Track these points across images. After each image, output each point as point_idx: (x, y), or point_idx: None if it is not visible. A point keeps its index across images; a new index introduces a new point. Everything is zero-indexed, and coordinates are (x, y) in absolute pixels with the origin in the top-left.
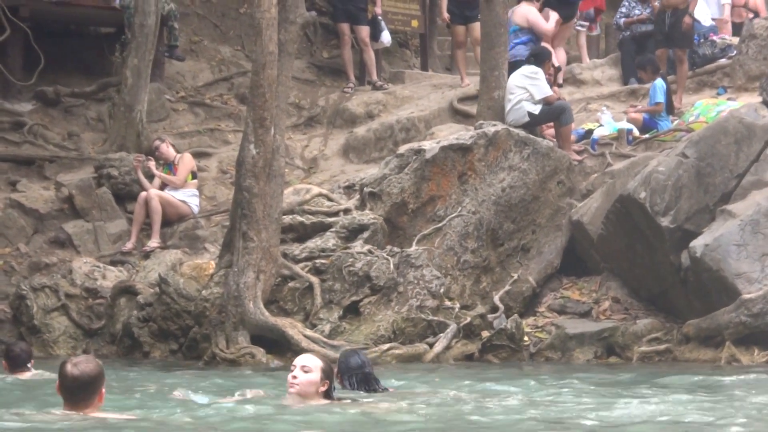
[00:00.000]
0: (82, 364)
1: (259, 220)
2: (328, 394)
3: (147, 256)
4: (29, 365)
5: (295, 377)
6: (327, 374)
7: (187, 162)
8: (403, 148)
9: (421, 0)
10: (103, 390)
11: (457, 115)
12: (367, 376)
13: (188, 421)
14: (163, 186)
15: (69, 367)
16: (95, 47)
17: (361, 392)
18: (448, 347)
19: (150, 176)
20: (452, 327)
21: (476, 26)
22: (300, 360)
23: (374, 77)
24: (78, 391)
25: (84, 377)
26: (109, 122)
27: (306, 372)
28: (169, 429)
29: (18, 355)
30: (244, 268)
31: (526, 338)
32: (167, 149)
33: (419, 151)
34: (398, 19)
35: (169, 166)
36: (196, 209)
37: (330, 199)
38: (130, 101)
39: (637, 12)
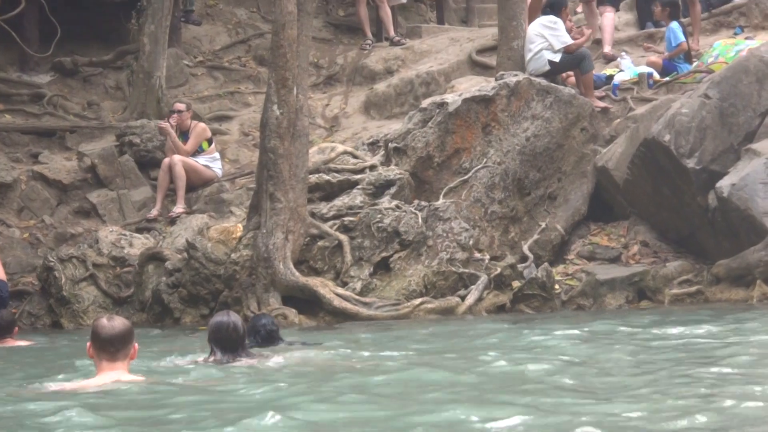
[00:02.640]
0: (115, 319)
1: (286, 180)
2: None
3: (173, 222)
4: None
5: None
6: None
7: (199, 132)
8: (425, 102)
9: None
10: (136, 345)
11: (476, 66)
12: (271, 333)
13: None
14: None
15: (104, 321)
16: (110, 15)
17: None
18: (479, 299)
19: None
20: (483, 278)
21: None
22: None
23: (391, 33)
24: (116, 343)
25: (119, 328)
26: (128, 90)
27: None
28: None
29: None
30: (272, 229)
31: (557, 286)
32: (187, 116)
33: (442, 105)
34: None
35: (185, 134)
36: (219, 173)
37: (355, 157)
38: (148, 68)
39: None
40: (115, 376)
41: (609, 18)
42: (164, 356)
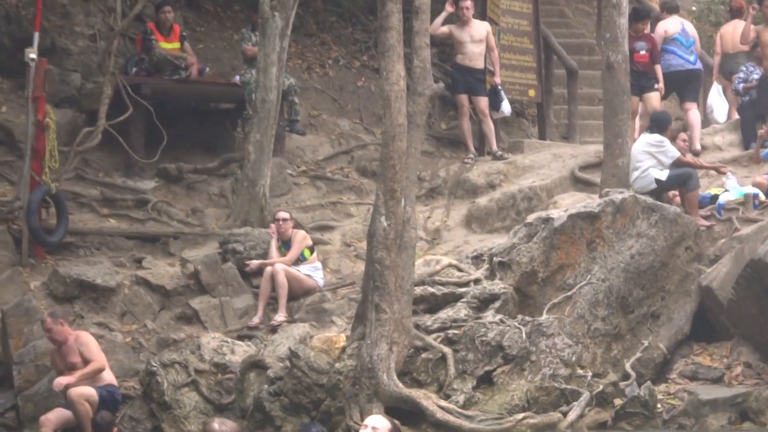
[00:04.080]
0: (227, 423)
1: (391, 291)
2: None
3: (274, 330)
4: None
5: None
6: None
7: (300, 240)
8: (531, 217)
9: (537, 69)
10: None
11: (579, 183)
12: None
13: None
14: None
15: (216, 426)
16: (216, 123)
17: None
18: (581, 415)
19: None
20: (585, 395)
21: (652, 96)
22: (369, 420)
23: (494, 147)
24: None
25: None
26: (231, 197)
27: (374, 430)
28: None
29: (98, 423)
30: (377, 339)
31: (658, 405)
32: (289, 225)
33: (547, 220)
34: (515, 88)
35: (286, 244)
36: (321, 282)
37: (460, 270)
38: (253, 176)
39: (755, 76)
40: None
41: (696, 114)
42: None
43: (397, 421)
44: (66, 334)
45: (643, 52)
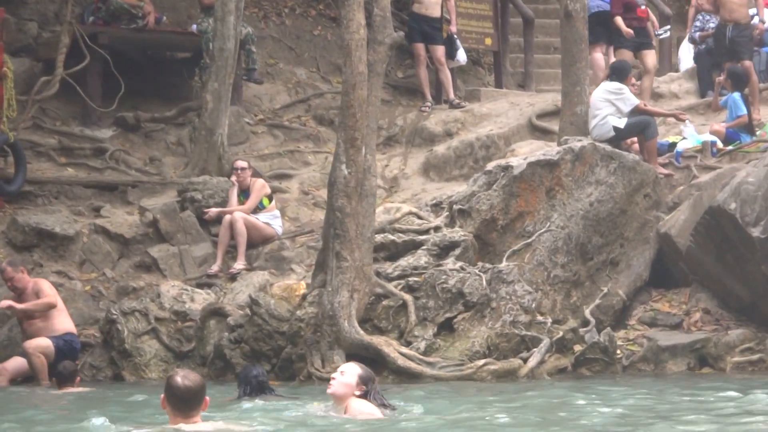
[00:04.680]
0: (190, 376)
1: (352, 239)
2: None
3: (233, 278)
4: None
5: (333, 378)
6: (364, 380)
7: (258, 188)
8: (490, 165)
9: (494, 18)
10: (207, 398)
11: (536, 131)
12: (261, 384)
13: None
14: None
15: (179, 380)
16: (173, 72)
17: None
18: (541, 362)
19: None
20: (545, 342)
21: (649, 54)
22: (342, 366)
23: (451, 96)
24: (189, 401)
25: (194, 387)
26: (189, 146)
27: (342, 374)
28: None
29: (60, 372)
30: (338, 287)
31: (618, 351)
32: (247, 174)
33: (506, 168)
34: (472, 37)
35: (245, 192)
36: (279, 230)
37: (419, 217)
38: (211, 125)
39: (711, 26)
40: (191, 426)
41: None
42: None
43: (369, 369)
44: (26, 281)
45: (643, 7)
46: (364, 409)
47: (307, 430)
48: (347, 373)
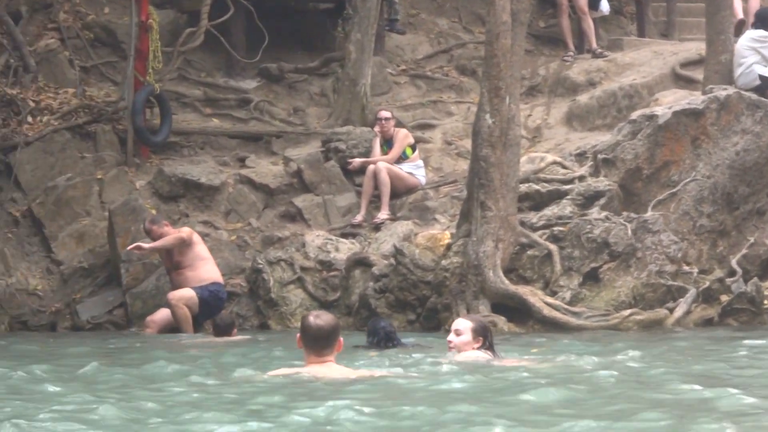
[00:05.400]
0: (323, 316)
1: (497, 189)
2: (485, 348)
3: (377, 228)
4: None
5: (449, 341)
6: (478, 332)
7: (401, 138)
8: (634, 114)
9: None
10: (341, 339)
11: (680, 80)
12: (389, 334)
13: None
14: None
15: (312, 319)
16: (317, 23)
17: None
18: (687, 312)
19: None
20: (692, 292)
21: None
22: (454, 323)
23: (594, 45)
24: (321, 340)
25: (326, 327)
26: (333, 97)
27: (458, 335)
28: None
29: (218, 324)
30: (483, 237)
31: (765, 301)
32: (391, 124)
33: (652, 117)
34: None
35: (388, 142)
36: (423, 180)
37: (564, 167)
38: (354, 75)
39: None
40: (324, 368)
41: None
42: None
43: (485, 320)
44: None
45: None
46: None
47: (433, 378)
48: (462, 332)
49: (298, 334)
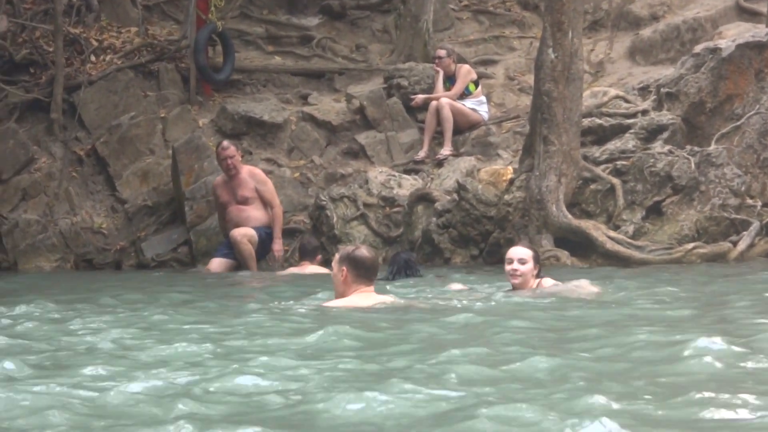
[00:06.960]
0: (364, 248)
1: (560, 123)
2: (538, 275)
3: (440, 164)
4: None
5: (516, 270)
6: (537, 259)
7: (464, 74)
8: (698, 48)
9: None
10: None
11: (744, 13)
12: (407, 262)
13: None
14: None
15: (366, 252)
16: None
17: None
18: (751, 245)
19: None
20: (755, 225)
21: None
22: (515, 253)
23: None
24: (375, 269)
25: (376, 257)
26: (395, 33)
27: (523, 264)
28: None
29: (304, 246)
30: (545, 171)
31: None
32: (448, 62)
33: (715, 50)
34: None
35: (450, 79)
36: (485, 116)
37: (627, 101)
38: (416, 11)
39: None
40: (372, 296)
41: None
42: None
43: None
44: (241, 165)
45: None
46: (562, 287)
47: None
48: (527, 260)
49: (344, 268)
